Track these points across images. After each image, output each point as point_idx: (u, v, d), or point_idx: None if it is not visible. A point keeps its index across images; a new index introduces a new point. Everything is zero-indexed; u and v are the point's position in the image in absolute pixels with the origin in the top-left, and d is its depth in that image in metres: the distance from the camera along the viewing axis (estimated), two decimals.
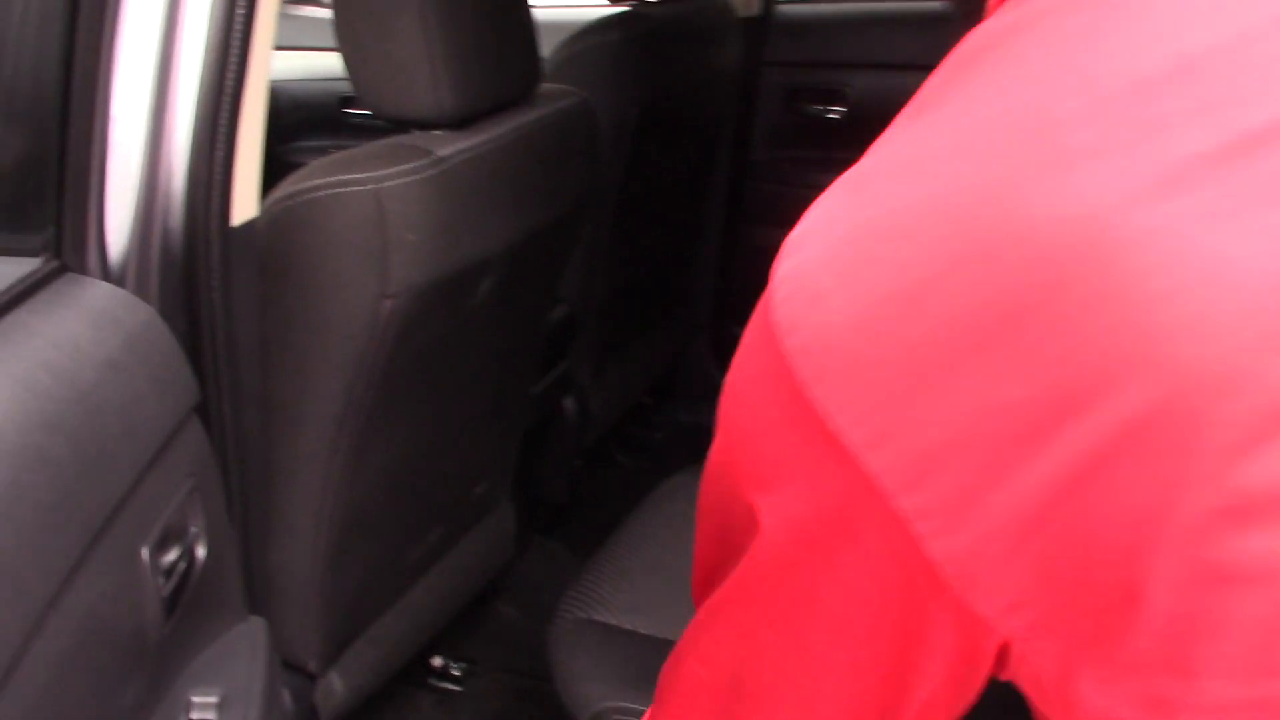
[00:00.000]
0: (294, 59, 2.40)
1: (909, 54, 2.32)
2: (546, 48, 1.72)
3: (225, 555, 1.00)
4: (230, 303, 1.06)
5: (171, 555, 0.90)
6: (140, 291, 0.99)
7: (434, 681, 1.75)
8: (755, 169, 2.35)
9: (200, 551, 0.93)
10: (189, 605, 0.93)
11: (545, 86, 1.49)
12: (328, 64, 2.66)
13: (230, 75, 1.01)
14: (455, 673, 1.75)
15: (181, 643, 0.93)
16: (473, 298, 1.33)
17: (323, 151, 2.61)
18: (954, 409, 0.39)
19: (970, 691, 0.47)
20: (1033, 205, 0.38)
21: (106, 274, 0.94)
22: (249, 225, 1.09)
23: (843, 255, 0.42)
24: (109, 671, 0.80)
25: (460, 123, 1.30)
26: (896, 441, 0.41)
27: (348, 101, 2.39)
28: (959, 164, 0.41)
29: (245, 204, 1.08)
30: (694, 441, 2.37)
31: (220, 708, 0.92)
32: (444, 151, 1.24)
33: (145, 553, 0.83)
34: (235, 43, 1.01)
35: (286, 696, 1.28)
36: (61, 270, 0.91)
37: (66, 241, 0.92)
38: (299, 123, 2.41)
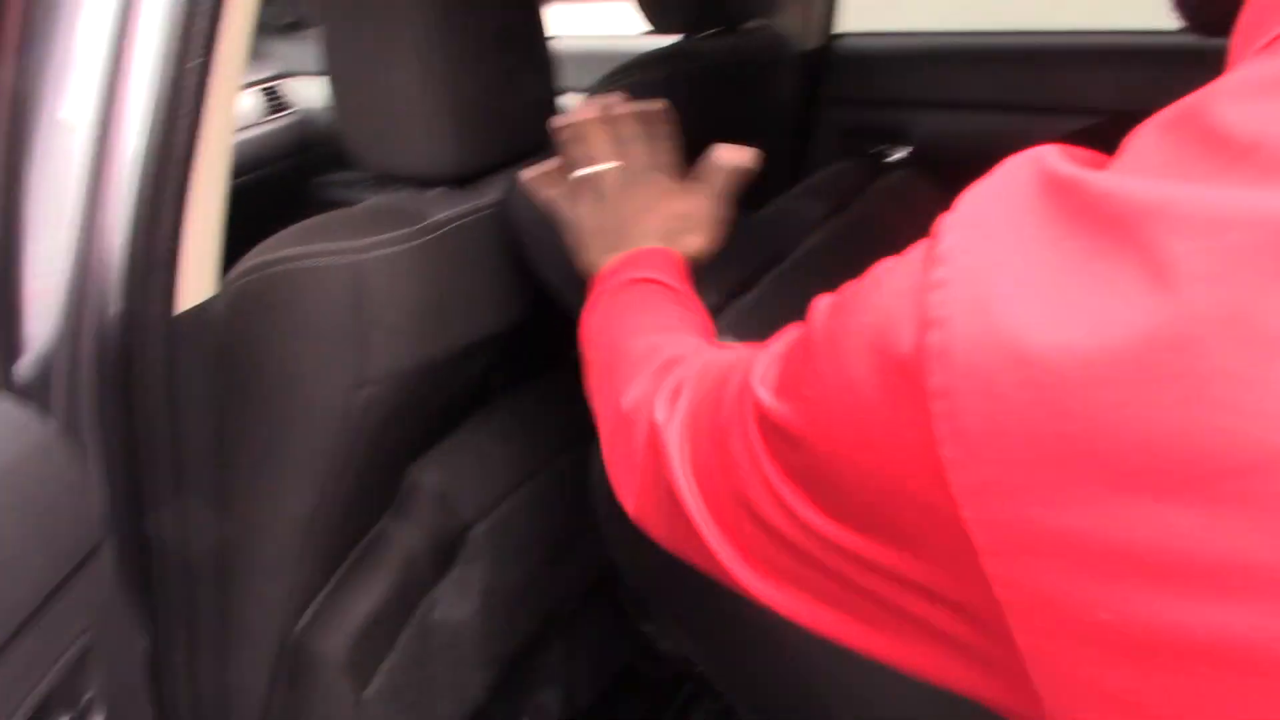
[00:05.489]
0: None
1: (980, 92, 2.15)
2: (586, 80, 1.57)
3: (134, 716, 0.85)
4: (176, 401, 0.91)
5: None
6: (53, 398, 0.85)
7: None
8: None
9: None
10: None
11: None
12: None
13: (179, 142, 0.87)
14: None
15: None
16: (463, 379, 1.17)
17: (357, 184, 2.50)
18: (1077, 522, 0.32)
19: None
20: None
21: (6, 381, 0.80)
22: (202, 308, 0.94)
23: (1032, 277, 0.33)
24: None
25: (462, 181, 1.15)
26: (1005, 508, 0.34)
27: None
28: (1222, 262, 0.30)
29: (199, 284, 0.94)
30: None
31: None
32: (438, 216, 1.09)
33: None
34: (185, 105, 0.87)
35: None
36: None
37: None
38: (333, 154, 2.28)
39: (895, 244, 1.43)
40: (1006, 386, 0.33)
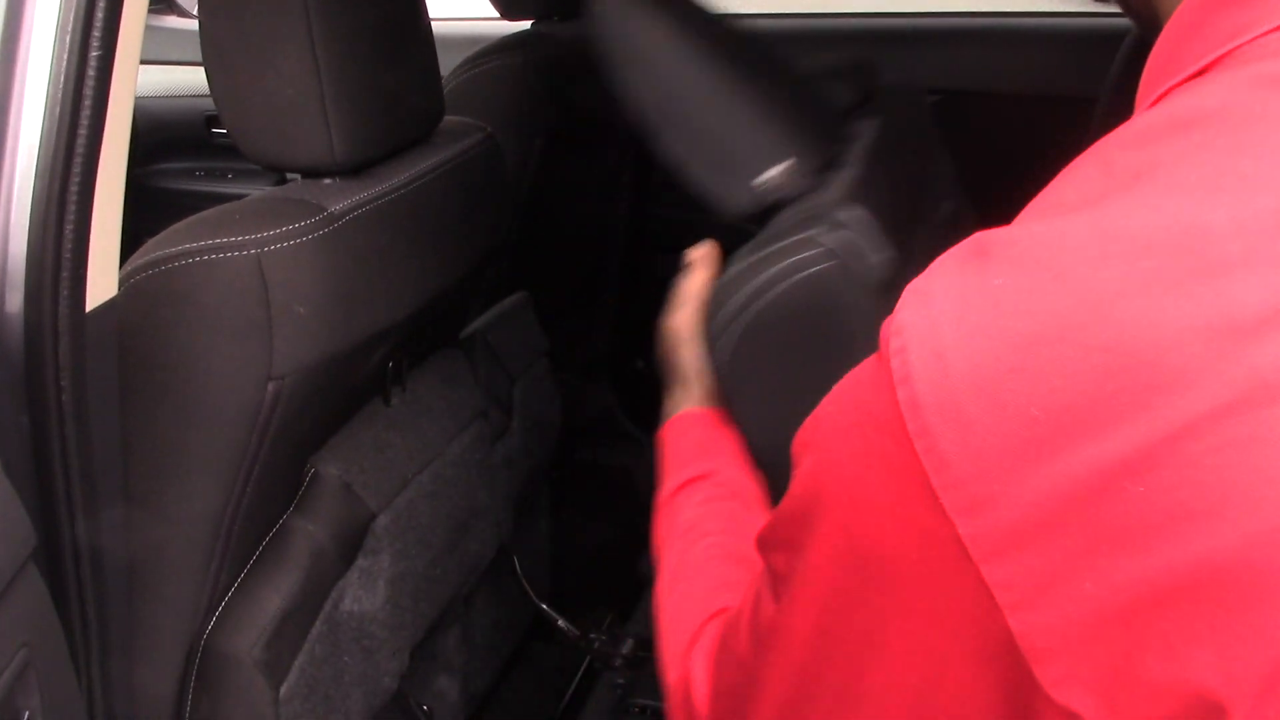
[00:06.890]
0: (154, 73, 2.19)
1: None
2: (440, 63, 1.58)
3: None
4: (84, 404, 0.88)
5: None
6: None
7: None
8: (661, 194, 2.22)
9: None
10: None
11: (445, 121, 1.33)
12: (191, 79, 2.44)
13: (83, 134, 0.84)
14: None
15: None
16: (365, 368, 1.17)
17: (188, 174, 2.42)
18: (1055, 491, 0.40)
19: None
20: (1170, 311, 0.39)
21: None
22: (108, 307, 0.92)
23: (970, 319, 0.42)
24: None
25: (354, 170, 1.14)
26: (993, 511, 0.41)
27: (215, 120, 2.18)
28: (1107, 268, 0.41)
29: (103, 284, 0.91)
30: (590, 478, 2.24)
31: None
32: (337, 206, 1.08)
33: None
34: (89, 96, 0.84)
35: None
36: None
37: None
38: (160, 143, 2.20)
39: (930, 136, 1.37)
40: (973, 411, 0.41)
